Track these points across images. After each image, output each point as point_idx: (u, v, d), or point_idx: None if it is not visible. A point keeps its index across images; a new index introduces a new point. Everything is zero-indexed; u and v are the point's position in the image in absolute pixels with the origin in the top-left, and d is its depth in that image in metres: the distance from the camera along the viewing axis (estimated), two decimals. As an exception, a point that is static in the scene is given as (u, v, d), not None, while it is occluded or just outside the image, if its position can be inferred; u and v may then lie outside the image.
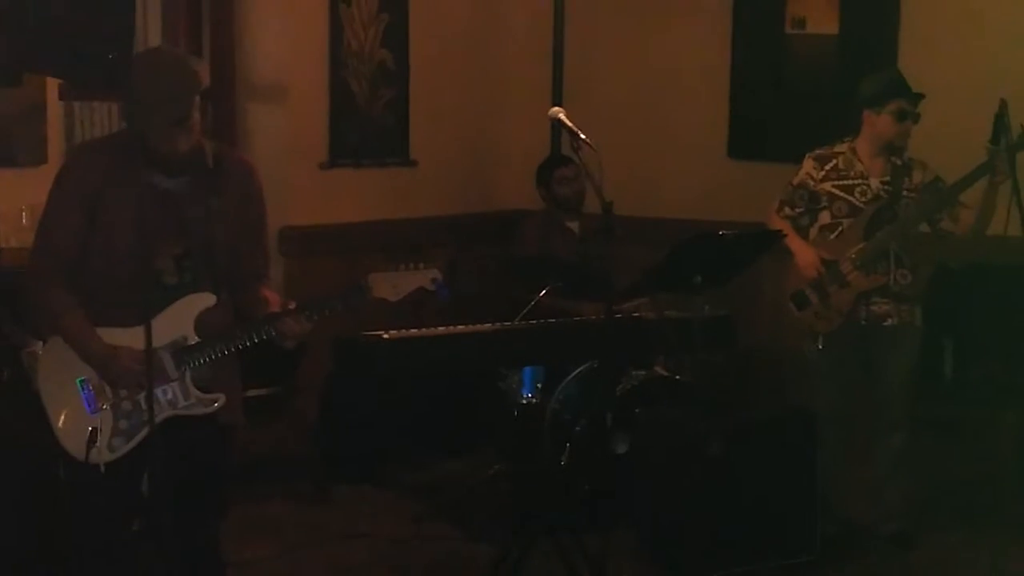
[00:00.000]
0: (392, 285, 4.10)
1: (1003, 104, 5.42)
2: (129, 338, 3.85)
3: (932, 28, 6.85)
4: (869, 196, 5.79)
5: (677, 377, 6.14)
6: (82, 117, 6.18)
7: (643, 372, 6.11)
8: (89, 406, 3.96)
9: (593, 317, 6.04)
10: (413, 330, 5.57)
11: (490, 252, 7.42)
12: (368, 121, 7.08)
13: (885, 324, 5.80)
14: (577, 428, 5.89)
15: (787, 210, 5.95)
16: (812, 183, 5.87)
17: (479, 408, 6.62)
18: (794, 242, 5.88)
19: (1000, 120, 5.41)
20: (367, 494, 6.54)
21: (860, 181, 5.80)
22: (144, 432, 3.92)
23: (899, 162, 5.83)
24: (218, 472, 4.23)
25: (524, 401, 6.11)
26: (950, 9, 6.84)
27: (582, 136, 5.05)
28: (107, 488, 3.96)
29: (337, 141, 6.93)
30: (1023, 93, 5.63)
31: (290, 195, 6.59)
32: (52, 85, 5.90)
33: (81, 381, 3.97)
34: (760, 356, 7.14)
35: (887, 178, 5.80)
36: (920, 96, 5.74)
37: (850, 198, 5.80)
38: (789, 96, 7.29)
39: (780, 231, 5.82)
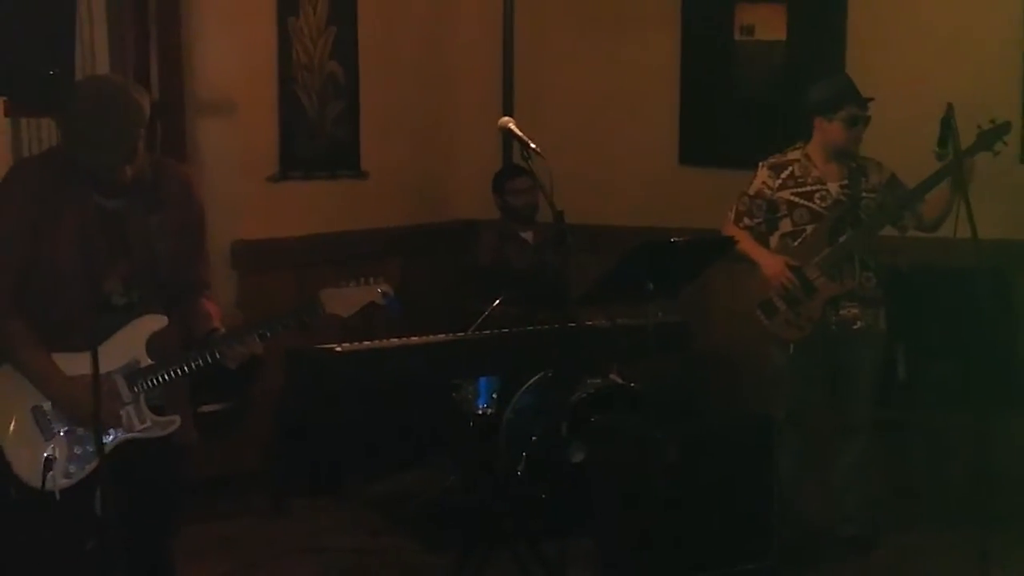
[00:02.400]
0: (343, 301, 4.08)
1: (950, 108, 5.46)
2: (79, 363, 3.79)
3: (879, 34, 6.90)
4: (829, 201, 5.81)
5: (632, 384, 6.15)
6: (29, 134, 6.10)
7: (598, 380, 6.12)
8: (43, 433, 3.90)
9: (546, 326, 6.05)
10: (366, 342, 5.55)
11: (443, 263, 7.41)
12: (318, 133, 7.05)
13: (854, 327, 5.83)
14: (533, 437, 5.89)
15: (746, 220, 5.95)
16: (769, 192, 5.88)
17: (435, 419, 6.61)
18: (758, 252, 5.88)
19: (947, 124, 5.45)
20: (324, 507, 6.53)
21: (818, 187, 5.83)
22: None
23: (854, 164, 5.86)
24: (172, 491, 4.20)
25: (480, 411, 6.12)
26: (896, 15, 6.89)
27: (532, 145, 5.06)
28: (61, 511, 3.90)
29: (287, 154, 6.90)
30: (969, 98, 5.69)
31: (241, 209, 6.55)
32: (-2, 102, 5.85)
33: (33, 408, 3.91)
34: (715, 362, 7.15)
35: (845, 181, 5.83)
36: (869, 100, 5.78)
37: (810, 204, 5.82)
38: (739, 102, 7.32)
39: (732, 238, 5.83)
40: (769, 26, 7.24)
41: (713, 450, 5.53)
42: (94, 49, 6.23)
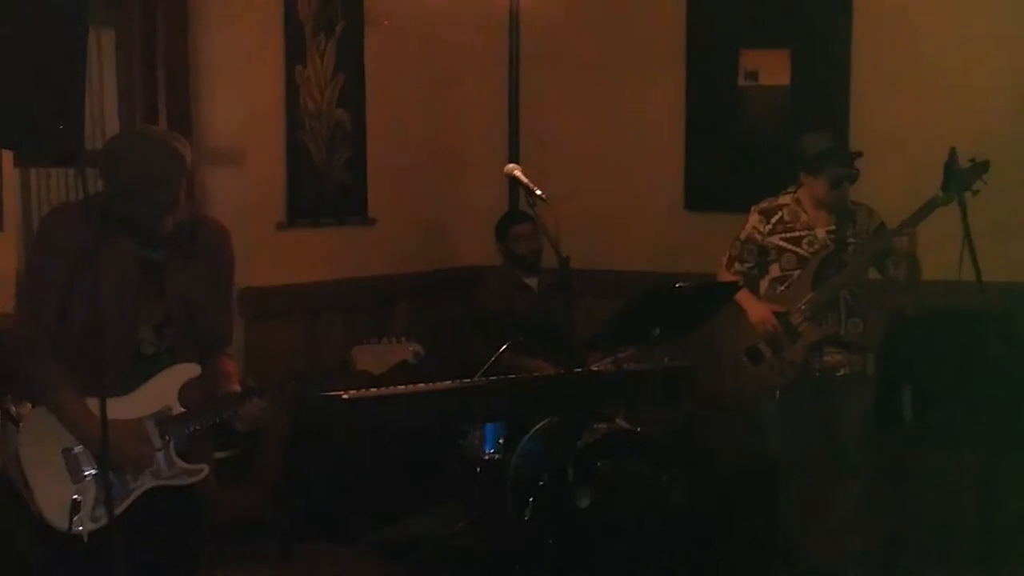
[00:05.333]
0: (376, 358, 4.14)
1: (952, 153, 5.48)
2: (113, 408, 3.78)
3: (882, 78, 6.93)
4: (816, 246, 5.84)
5: (638, 429, 6.15)
6: (39, 184, 6.16)
7: (604, 425, 6.12)
8: (72, 476, 3.93)
9: (549, 373, 6.07)
10: (373, 389, 5.56)
11: (450, 309, 7.44)
12: (326, 180, 7.09)
13: (838, 374, 5.84)
14: (540, 483, 5.89)
15: (737, 265, 6.00)
16: (760, 237, 5.92)
17: (442, 465, 6.61)
18: (746, 299, 5.91)
19: (950, 169, 5.48)
20: (331, 553, 6.52)
21: (807, 232, 5.86)
22: (129, 500, 3.94)
23: (844, 210, 5.88)
24: (192, 540, 4.21)
25: (487, 457, 6.12)
26: (900, 59, 6.92)
27: (537, 192, 5.10)
28: (84, 558, 3.90)
29: (295, 201, 6.94)
30: (973, 142, 5.70)
31: (249, 256, 6.52)
32: (7, 152, 5.88)
33: (64, 451, 3.93)
34: (722, 406, 7.15)
35: (832, 227, 5.85)
36: (856, 156, 5.79)
37: (798, 250, 5.86)
38: (744, 147, 7.35)
39: (737, 283, 5.86)
40: (773, 71, 7.28)
41: (719, 494, 5.55)
42: (103, 98, 6.29)
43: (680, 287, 5.46)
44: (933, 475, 6.50)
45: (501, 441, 6.11)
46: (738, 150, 7.36)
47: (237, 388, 4.11)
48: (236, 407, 4.01)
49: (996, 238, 5.91)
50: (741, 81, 7.34)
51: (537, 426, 6.03)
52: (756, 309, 5.88)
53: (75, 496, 3.90)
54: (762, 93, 7.32)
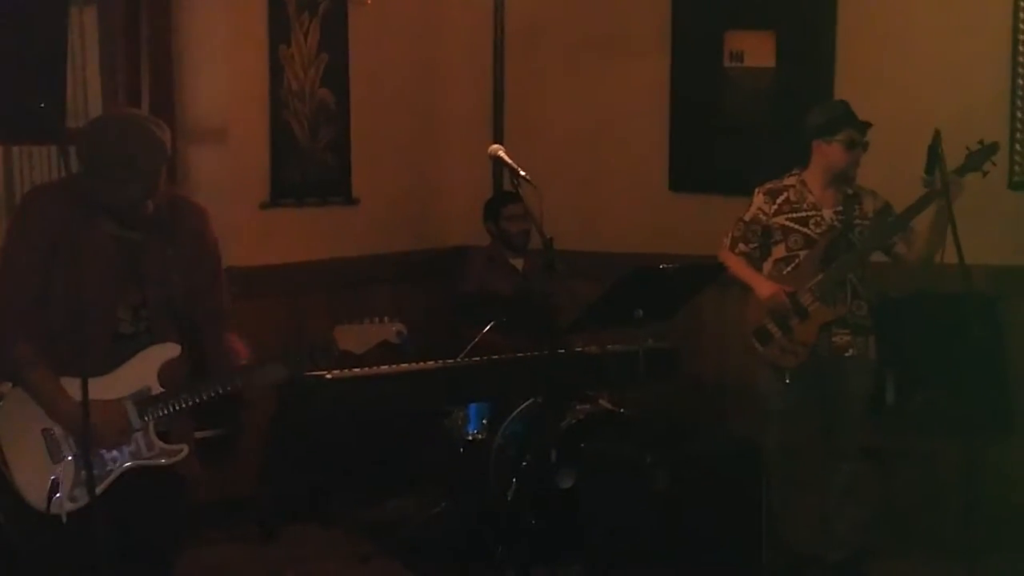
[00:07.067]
0: (358, 338, 4.13)
1: (937, 135, 5.48)
2: (91, 388, 3.78)
3: (867, 61, 6.93)
4: (823, 227, 5.82)
5: (621, 411, 6.16)
6: (22, 162, 6.13)
7: (587, 406, 6.13)
8: (51, 456, 3.92)
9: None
10: (356, 369, 5.56)
11: (433, 289, 7.43)
12: (309, 160, 7.07)
13: (846, 355, 5.83)
14: (523, 463, 5.90)
15: (741, 246, 5.96)
16: (765, 218, 5.89)
17: (425, 445, 6.62)
18: (753, 278, 5.88)
19: (934, 151, 5.47)
20: (314, 534, 6.53)
21: (813, 212, 5.83)
22: (108, 481, 3.94)
23: (849, 191, 5.87)
24: (173, 522, 4.22)
25: (470, 437, 6.12)
26: (884, 42, 6.91)
27: (522, 173, 5.10)
28: (62, 539, 3.91)
29: (278, 181, 6.92)
30: (957, 125, 5.71)
31: (232, 235, 6.54)
32: (-10, 130, 5.85)
33: (43, 431, 3.93)
34: (705, 387, 7.17)
35: (839, 208, 5.84)
36: (867, 125, 5.80)
37: (805, 230, 5.83)
38: (729, 128, 7.33)
39: (721, 264, 5.86)
40: (758, 53, 7.26)
41: (702, 476, 5.54)
42: (86, 78, 6.26)
43: (664, 268, 5.46)
44: (914, 460, 6.52)
45: (484, 422, 6.12)
46: (723, 132, 7.34)
47: (243, 366, 4.12)
48: (215, 388, 4.01)
49: (980, 221, 5.91)
50: (726, 63, 7.32)
51: (520, 407, 6.04)
52: (765, 285, 5.83)
53: (54, 476, 3.90)
54: (747, 75, 7.30)
